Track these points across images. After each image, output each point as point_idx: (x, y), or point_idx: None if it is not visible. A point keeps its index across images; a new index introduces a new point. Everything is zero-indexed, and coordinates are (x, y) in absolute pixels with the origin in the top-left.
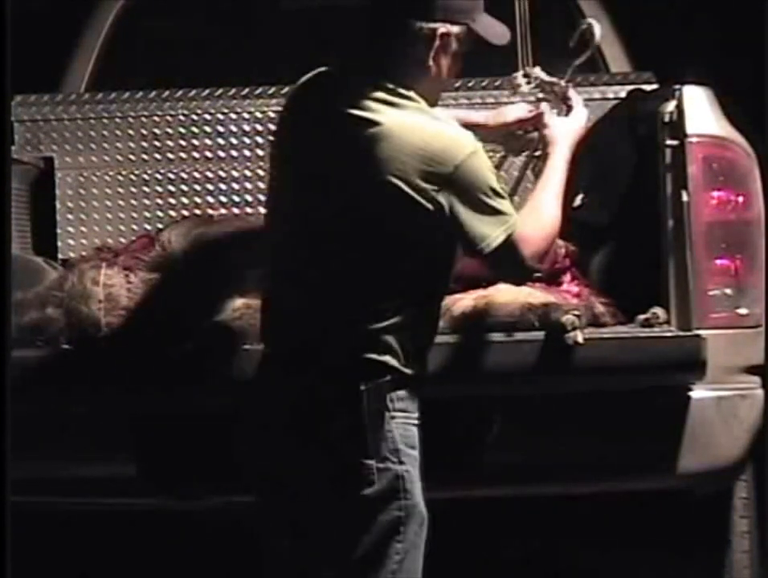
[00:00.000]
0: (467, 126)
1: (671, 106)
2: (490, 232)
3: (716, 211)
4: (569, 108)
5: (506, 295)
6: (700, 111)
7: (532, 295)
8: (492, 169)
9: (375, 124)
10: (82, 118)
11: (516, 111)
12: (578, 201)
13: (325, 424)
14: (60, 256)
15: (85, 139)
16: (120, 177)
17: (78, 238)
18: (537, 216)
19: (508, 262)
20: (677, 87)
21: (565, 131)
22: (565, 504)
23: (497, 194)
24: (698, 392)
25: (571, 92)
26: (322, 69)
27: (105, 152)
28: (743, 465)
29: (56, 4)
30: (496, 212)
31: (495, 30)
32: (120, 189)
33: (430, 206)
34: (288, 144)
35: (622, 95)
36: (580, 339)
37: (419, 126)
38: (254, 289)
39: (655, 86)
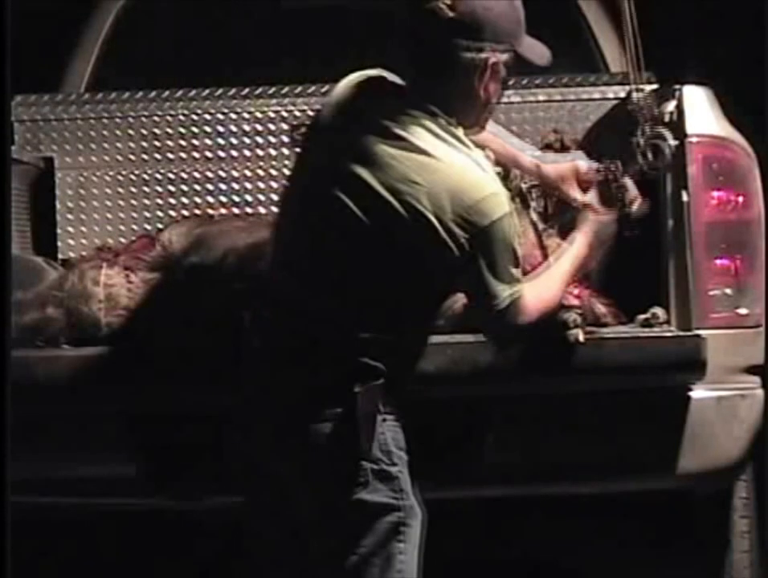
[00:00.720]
0: (515, 163)
1: (671, 106)
2: (501, 293)
3: (716, 211)
4: (619, 195)
5: None
6: (700, 111)
7: None
8: (518, 234)
9: (425, 153)
10: (82, 118)
11: (564, 174)
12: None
13: (318, 426)
14: (60, 256)
15: (85, 139)
16: (120, 177)
17: (78, 238)
18: (542, 292)
19: (501, 326)
20: (677, 87)
21: (602, 224)
22: (565, 504)
23: (516, 259)
24: (698, 392)
25: (628, 183)
26: (377, 75)
27: (105, 152)
28: (743, 465)
29: (56, 4)
30: (510, 276)
31: (539, 51)
32: (120, 189)
33: (455, 251)
34: (325, 144)
35: (622, 95)
36: (581, 337)
37: (469, 172)
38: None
39: (655, 86)
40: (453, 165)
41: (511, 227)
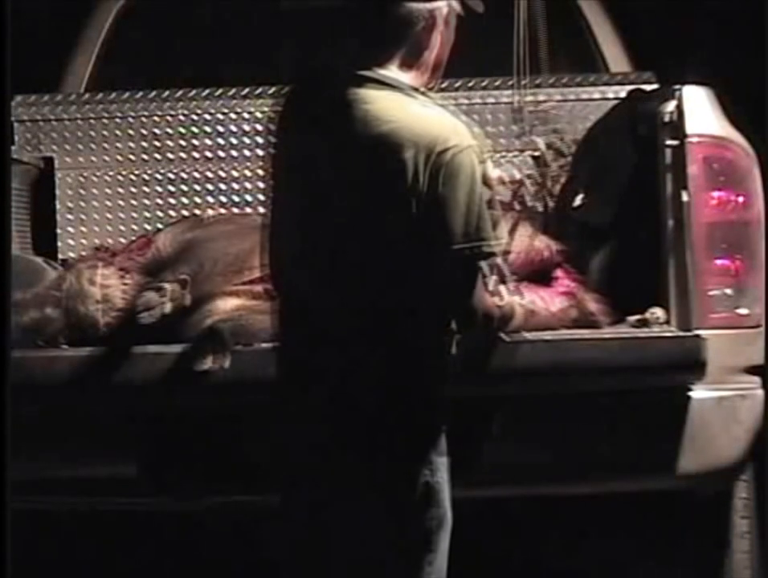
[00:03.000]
0: None
1: (671, 106)
2: (491, 235)
3: (716, 211)
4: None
5: None
6: (700, 112)
7: None
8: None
9: (378, 115)
10: (82, 118)
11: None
12: (577, 201)
13: (364, 433)
14: (60, 256)
15: (85, 139)
16: (120, 177)
17: (78, 238)
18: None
19: (467, 275)
20: (677, 87)
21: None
22: (565, 504)
23: (484, 218)
24: (698, 393)
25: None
26: (316, 68)
27: (105, 152)
28: (743, 465)
29: (56, 4)
30: (479, 224)
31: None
32: (120, 189)
33: (426, 188)
34: (293, 150)
35: (623, 95)
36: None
37: (417, 110)
38: (246, 290)
39: (655, 86)
40: (417, 110)
41: (476, 165)
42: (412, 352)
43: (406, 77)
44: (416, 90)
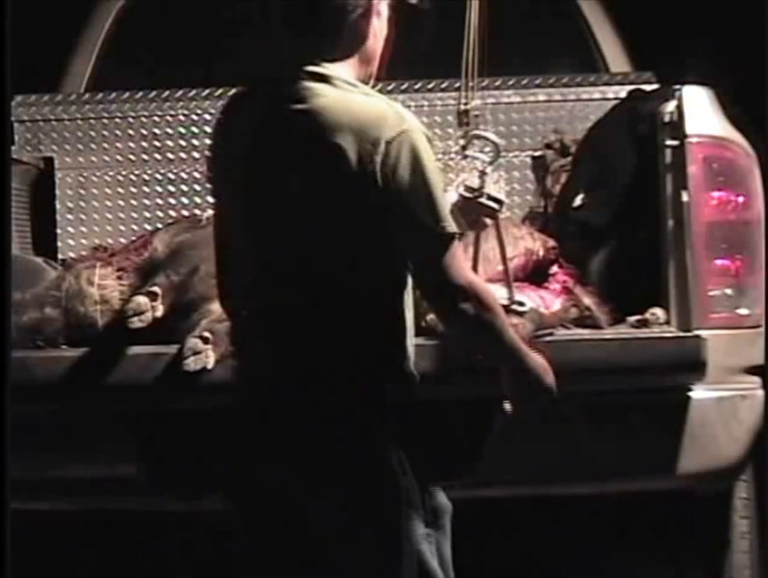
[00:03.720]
0: None
1: (671, 106)
2: (445, 218)
3: (716, 211)
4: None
5: None
6: (700, 112)
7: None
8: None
9: (312, 109)
10: (82, 118)
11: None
12: (578, 201)
13: (336, 435)
14: (60, 256)
15: (85, 139)
16: (120, 177)
17: (78, 238)
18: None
19: (442, 263)
20: (677, 87)
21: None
22: (565, 504)
23: (437, 200)
24: (698, 393)
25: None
26: (256, 71)
27: (105, 152)
28: (743, 465)
29: (56, 4)
30: (432, 209)
31: None
32: (120, 189)
33: (377, 176)
34: (237, 156)
35: (623, 95)
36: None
37: (370, 102)
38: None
39: (655, 86)
40: (359, 99)
41: (427, 147)
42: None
43: (345, 70)
44: (355, 82)
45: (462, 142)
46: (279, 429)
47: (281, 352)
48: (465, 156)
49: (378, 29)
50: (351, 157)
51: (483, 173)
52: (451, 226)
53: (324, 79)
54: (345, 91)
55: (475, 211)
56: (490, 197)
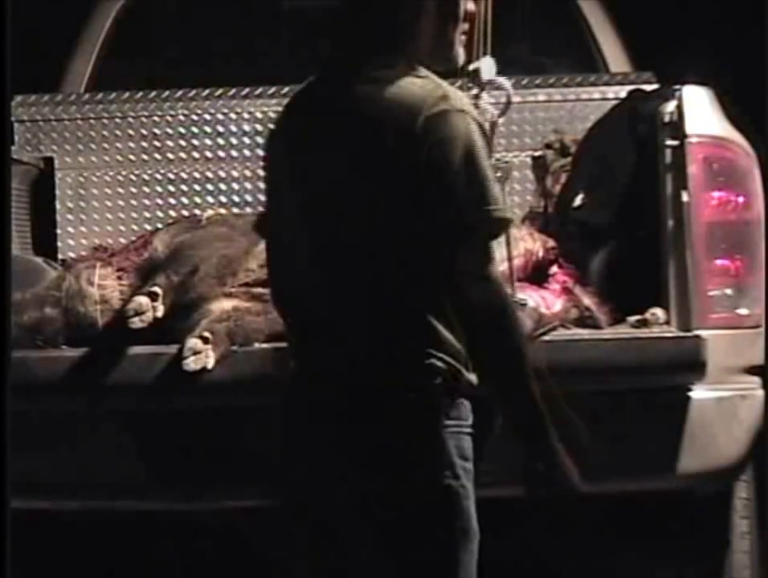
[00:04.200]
0: None
1: (671, 106)
2: (498, 201)
3: (716, 211)
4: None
5: None
6: (700, 112)
7: None
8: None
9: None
10: (82, 118)
11: None
12: (578, 201)
13: (373, 434)
14: (60, 256)
15: (85, 139)
16: (120, 177)
17: (78, 238)
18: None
19: (482, 253)
20: (677, 87)
21: None
22: (565, 504)
23: (488, 183)
24: (698, 393)
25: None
26: (319, 70)
27: (105, 152)
28: (743, 465)
29: (56, 4)
30: (483, 194)
31: None
32: (120, 189)
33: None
34: (303, 156)
35: (623, 95)
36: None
37: (412, 80)
38: (242, 291)
39: (655, 86)
40: (411, 80)
41: (473, 128)
42: (421, 339)
43: (408, 56)
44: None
45: (474, 92)
46: (336, 423)
47: (343, 341)
48: (477, 107)
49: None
50: (398, 138)
51: (494, 125)
52: (503, 210)
53: (386, 67)
54: (404, 75)
55: None
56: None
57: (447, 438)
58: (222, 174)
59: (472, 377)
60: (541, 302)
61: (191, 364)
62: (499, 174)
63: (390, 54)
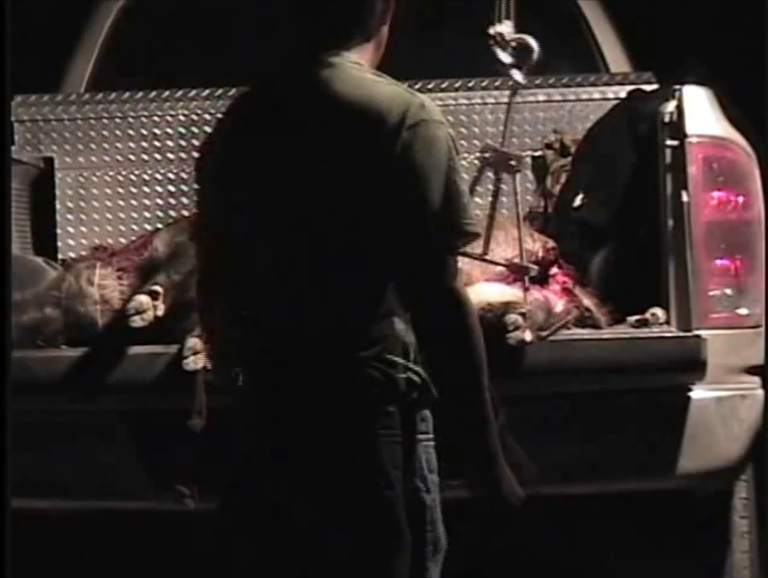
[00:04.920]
0: None
1: (671, 106)
2: (468, 214)
3: (716, 211)
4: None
5: (473, 292)
6: (700, 112)
7: (503, 293)
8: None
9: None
10: (82, 118)
11: None
12: (578, 201)
13: (345, 451)
14: (60, 256)
15: (85, 139)
16: (120, 177)
17: (78, 238)
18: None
19: (445, 266)
20: (677, 87)
21: None
22: (565, 504)
23: (459, 198)
24: (698, 393)
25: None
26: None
27: (105, 152)
28: (743, 465)
29: (56, 4)
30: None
31: None
32: (120, 189)
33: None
34: (251, 154)
35: (623, 95)
36: (527, 337)
37: (391, 86)
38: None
39: (655, 86)
40: (383, 87)
41: (448, 139)
42: (390, 352)
43: (361, 55)
44: (375, 70)
45: (498, 50)
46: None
47: (304, 357)
48: (502, 64)
49: (388, 14)
50: (369, 143)
51: (516, 88)
52: (473, 224)
53: (341, 64)
54: (364, 77)
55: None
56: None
57: (420, 452)
58: None
59: (430, 390)
60: (544, 301)
61: (191, 364)
62: (513, 163)
63: (354, 52)
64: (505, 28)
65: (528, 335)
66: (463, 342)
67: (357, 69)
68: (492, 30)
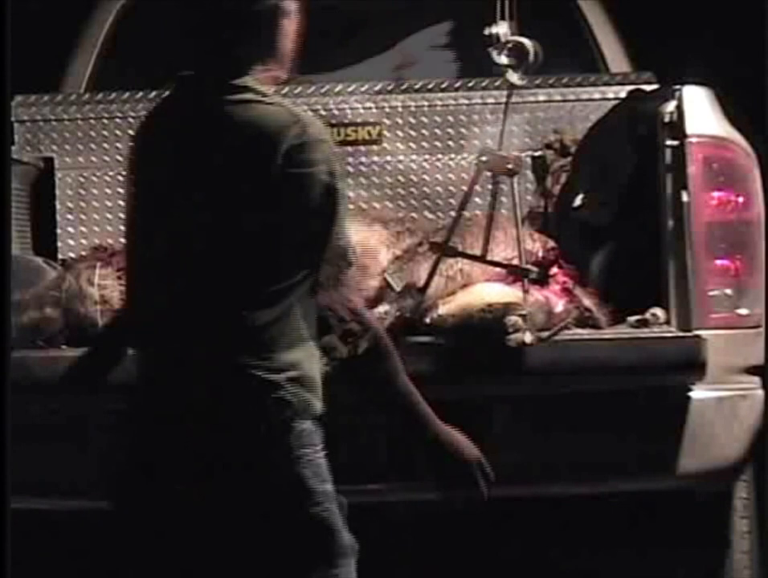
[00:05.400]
0: None
1: (671, 106)
2: (346, 237)
3: (716, 211)
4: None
5: (473, 293)
6: (700, 112)
7: (503, 294)
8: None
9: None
10: (82, 118)
11: None
12: (578, 201)
13: (228, 472)
14: (60, 256)
15: (85, 139)
16: (120, 177)
17: (78, 238)
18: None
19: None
20: (677, 87)
21: None
22: (565, 504)
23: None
24: (698, 393)
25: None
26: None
27: (105, 152)
28: (743, 465)
29: (56, 4)
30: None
31: None
32: (120, 189)
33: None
34: (159, 166)
35: (623, 95)
36: (528, 339)
37: (261, 108)
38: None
39: (655, 86)
40: (268, 109)
41: (332, 157)
42: (272, 369)
43: (257, 76)
44: (268, 91)
45: (494, 52)
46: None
47: (197, 371)
48: (497, 65)
49: (288, 29)
50: (258, 166)
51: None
52: (349, 250)
53: (235, 88)
54: (257, 100)
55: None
56: None
57: (305, 468)
58: None
59: (320, 406)
60: (545, 301)
61: None
62: (510, 166)
63: (249, 73)
64: (501, 29)
65: (528, 337)
66: (366, 365)
67: (252, 91)
68: (487, 32)
